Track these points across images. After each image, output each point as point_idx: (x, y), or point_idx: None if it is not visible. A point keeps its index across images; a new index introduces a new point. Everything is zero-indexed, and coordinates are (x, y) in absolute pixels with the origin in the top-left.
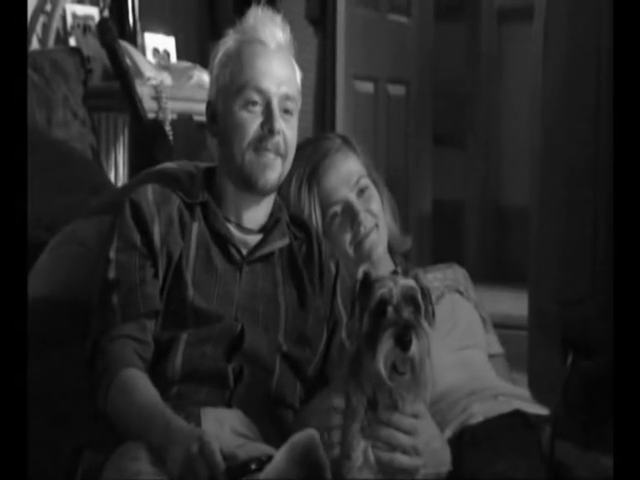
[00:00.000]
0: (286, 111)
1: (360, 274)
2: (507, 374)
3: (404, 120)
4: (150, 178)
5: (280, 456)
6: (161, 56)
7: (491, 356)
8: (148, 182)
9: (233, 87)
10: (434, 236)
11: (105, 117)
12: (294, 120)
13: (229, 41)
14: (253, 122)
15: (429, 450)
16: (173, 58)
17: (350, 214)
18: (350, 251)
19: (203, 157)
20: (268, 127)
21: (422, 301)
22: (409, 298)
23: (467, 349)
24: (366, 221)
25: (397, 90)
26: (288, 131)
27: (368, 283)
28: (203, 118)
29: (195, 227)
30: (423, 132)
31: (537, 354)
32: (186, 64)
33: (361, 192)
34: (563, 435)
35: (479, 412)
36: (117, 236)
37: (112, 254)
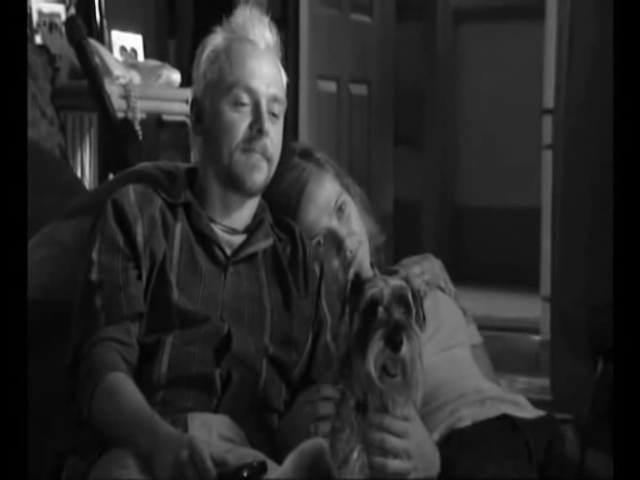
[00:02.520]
0: (273, 114)
1: (351, 274)
2: (487, 362)
3: (366, 120)
4: (129, 178)
5: (288, 464)
6: (128, 54)
7: (472, 346)
8: (127, 183)
9: (222, 85)
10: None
11: (71, 116)
12: (280, 123)
13: (217, 38)
14: (242, 123)
15: (420, 453)
16: (140, 56)
17: (334, 241)
18: (340, 275)
19: (167, 157)
20: (257, 128)
21: (413, 303)
22: (400, 299)
23: (452, 349)
24: (351, 245)
25: (359, 90)
26: (275, 134)
27: (359, 284)
28: (172, 117)
29: (178, 228)
30: (384, 132)
31: (560, 359)
32: (154, 63)
33: (340, 211)
34: (590, 442)
35: (467, 416)
36: (99, 237)
37: (95, 255)
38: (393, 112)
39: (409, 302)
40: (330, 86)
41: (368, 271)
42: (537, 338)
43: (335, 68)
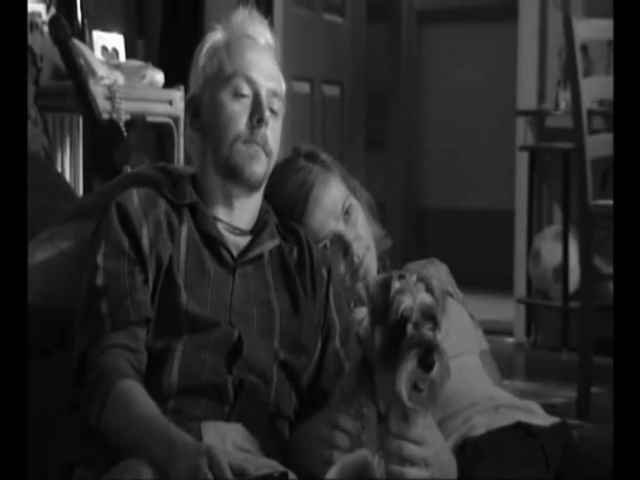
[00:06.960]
0: (272, 110)
1: (378, 281)
2: (495, 368)
3: (339, 121)
4: (128, 181)
5: (331, 477)
6: (110, 54)
7: (480, 352)
8: (127, 185)
9: (222, 76)
10: None
11: (52, 117)
12: (279, 121)
13: (217, 34)
14: (243, 114)
15: (437, 461)
16: (122, 57)
17: (341, 245)
18: (347, 280)
19: (135, 158)
20: (257, 117)
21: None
22: (428, 315)
23: (461, 355)
24: (358, 250)
25: (332, 91)
26: (274, 132)
27: (387, 293)
28: (156, 119)
29: (184, 229)
30: (356, 133)
31: None
32: (138, 63)
33: (347, 215)
34: None
35: (481, 424)
36: (104, 241)
37: (99, 260)
38: (365, 114)
39: (436, 318)
40: (304, 87)
41: (374, 275)
42: (511, 340)
43: (309, 69)
